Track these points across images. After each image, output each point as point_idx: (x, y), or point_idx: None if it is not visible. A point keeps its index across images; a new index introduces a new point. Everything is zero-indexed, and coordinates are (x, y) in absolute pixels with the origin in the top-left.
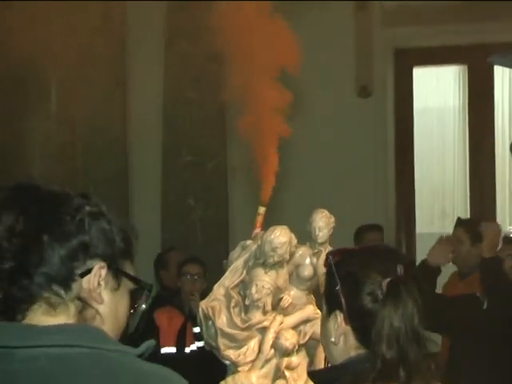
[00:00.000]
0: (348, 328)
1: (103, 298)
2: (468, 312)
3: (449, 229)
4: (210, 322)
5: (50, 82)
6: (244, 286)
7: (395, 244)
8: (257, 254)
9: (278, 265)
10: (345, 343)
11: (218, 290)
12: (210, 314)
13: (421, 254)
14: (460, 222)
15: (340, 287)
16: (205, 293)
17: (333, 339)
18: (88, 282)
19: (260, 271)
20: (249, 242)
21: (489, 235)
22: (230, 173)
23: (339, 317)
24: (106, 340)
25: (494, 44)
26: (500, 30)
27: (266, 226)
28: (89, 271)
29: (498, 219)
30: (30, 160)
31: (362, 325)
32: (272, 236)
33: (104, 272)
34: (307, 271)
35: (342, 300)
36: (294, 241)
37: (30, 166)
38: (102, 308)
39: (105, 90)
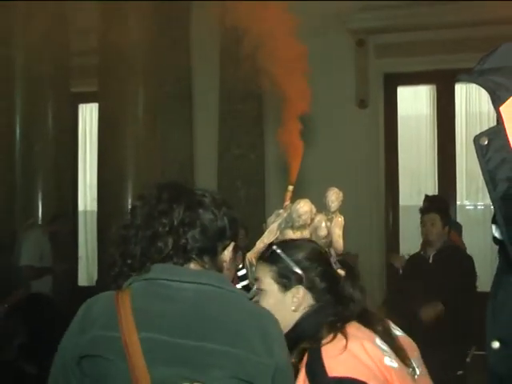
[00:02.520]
0: (304, 296)
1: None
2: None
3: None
4: (253, 268)
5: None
6: None
7: (385, 213)
8: (287, 219)
9: (302, 227)
10: (299, 309)
11: (260, 244)
12: (253, 262)
13: (402, 220)
14: (427, 198)
15: (299, 268)
16: (248, 247)
17: (293, 308)
18: (224, 255)
19: (289, 231)
20: (281, 210)
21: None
22: (266, 162)
23: (300, 290)
24: (229, 284)
25: (454, 70)
26: (459, 59)
27: (294, 199)
28: (225, 248)
29: (458, 196)
30: (124, 157)
31: (320, 290)
32: (298, 206)
33: (231, 247)
34: (323, 232)
35: (303, 276)
36: (314, 210)
37: (125, 162)
38: (226, 272)
39: (175, 109)
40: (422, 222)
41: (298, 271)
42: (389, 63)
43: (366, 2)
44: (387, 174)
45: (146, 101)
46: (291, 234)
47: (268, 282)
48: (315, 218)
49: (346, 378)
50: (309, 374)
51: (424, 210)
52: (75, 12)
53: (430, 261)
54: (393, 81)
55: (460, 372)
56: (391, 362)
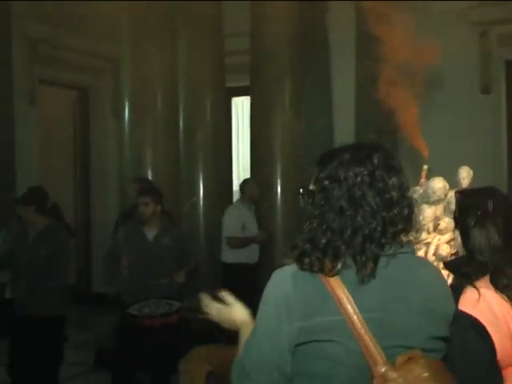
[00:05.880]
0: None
1: None
2: None
3: None
4: None
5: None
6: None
7: (507, 189)
8: (423, 195)
9: (436, 202)
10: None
11: None
12: None
13: None
14: None
15: (457, 214)
16: None
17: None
18: None
19: (425, 206)
20: (417, 187)
21: None
22: (400, 146)
23: (457, 232)
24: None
25: None
26: None
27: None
28: None
29: None
30: (272, 143)
31: (466, 239)
32: (433, 184)
33: None
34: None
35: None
36: (447, 186)
37: (273, 147)
38: None
39: (316, 99)
40: None
41: (456, 217)
42: (510, 51)
43: None
44: (509, 153)
45: (292, 93)
46: (426, 209)
47: None
48: (449, 194)
49: (469, 315)
50: None
51: None
52: (228, 17)
53: None
54: None
55: None
56: None
